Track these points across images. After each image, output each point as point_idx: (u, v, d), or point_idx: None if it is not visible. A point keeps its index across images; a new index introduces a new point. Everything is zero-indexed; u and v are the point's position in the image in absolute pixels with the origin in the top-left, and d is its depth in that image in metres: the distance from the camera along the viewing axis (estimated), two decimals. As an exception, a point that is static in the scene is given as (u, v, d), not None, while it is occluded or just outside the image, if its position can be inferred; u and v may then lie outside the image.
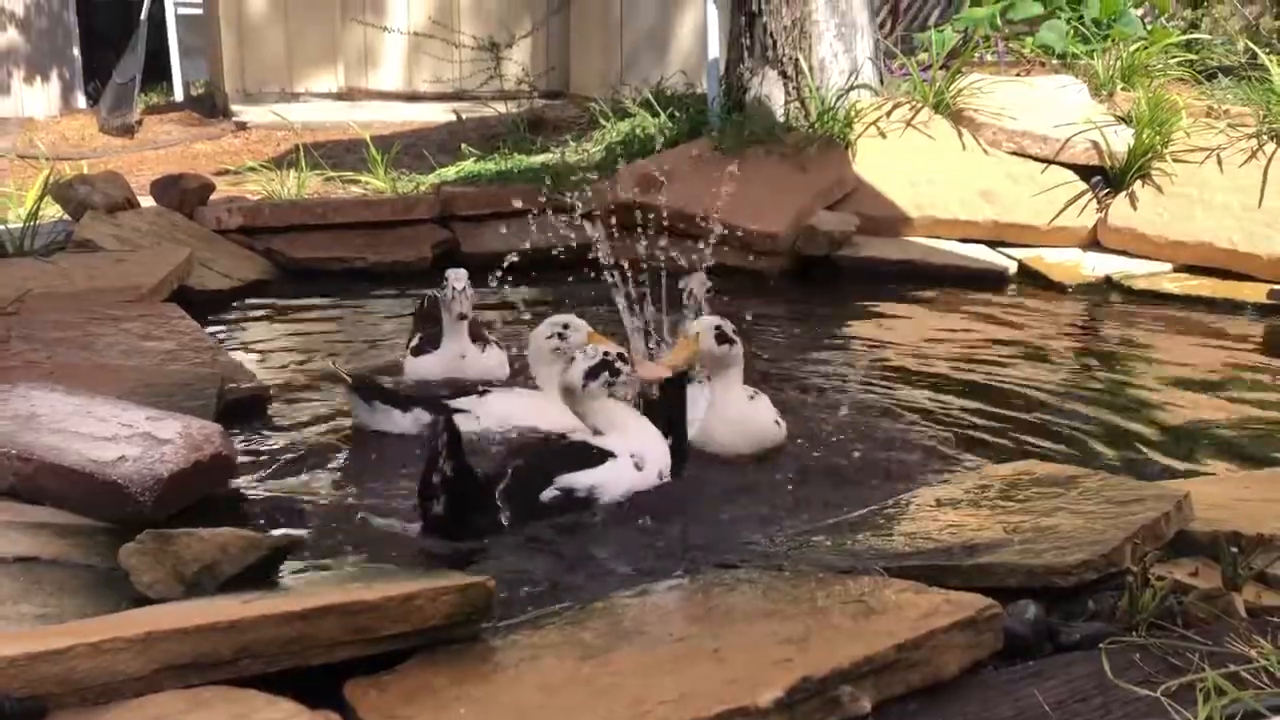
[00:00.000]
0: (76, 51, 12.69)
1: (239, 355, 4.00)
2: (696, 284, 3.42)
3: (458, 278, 3.48)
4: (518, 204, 4.08)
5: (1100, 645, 1.86)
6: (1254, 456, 3.12)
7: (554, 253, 3.62)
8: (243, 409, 3.29)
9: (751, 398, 3.05)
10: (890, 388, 3.74)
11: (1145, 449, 3.18)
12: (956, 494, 2.54)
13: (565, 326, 3.18)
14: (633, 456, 2.68)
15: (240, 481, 2.82)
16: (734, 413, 3.00)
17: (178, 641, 1.68)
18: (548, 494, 2.57)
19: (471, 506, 2.46)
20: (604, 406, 2.75)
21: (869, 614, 1.86)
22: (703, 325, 2.96)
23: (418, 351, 3.67)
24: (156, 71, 12.14)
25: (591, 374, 2.71)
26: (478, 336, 3.66)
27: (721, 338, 2.96)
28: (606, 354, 2.73)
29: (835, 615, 1.88)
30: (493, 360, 3.63)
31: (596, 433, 2.74)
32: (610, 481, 2.63)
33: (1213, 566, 2.13)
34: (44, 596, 2.07)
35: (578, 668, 1.77)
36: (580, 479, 2.60)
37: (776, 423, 3.06)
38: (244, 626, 1.72)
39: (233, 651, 1.72)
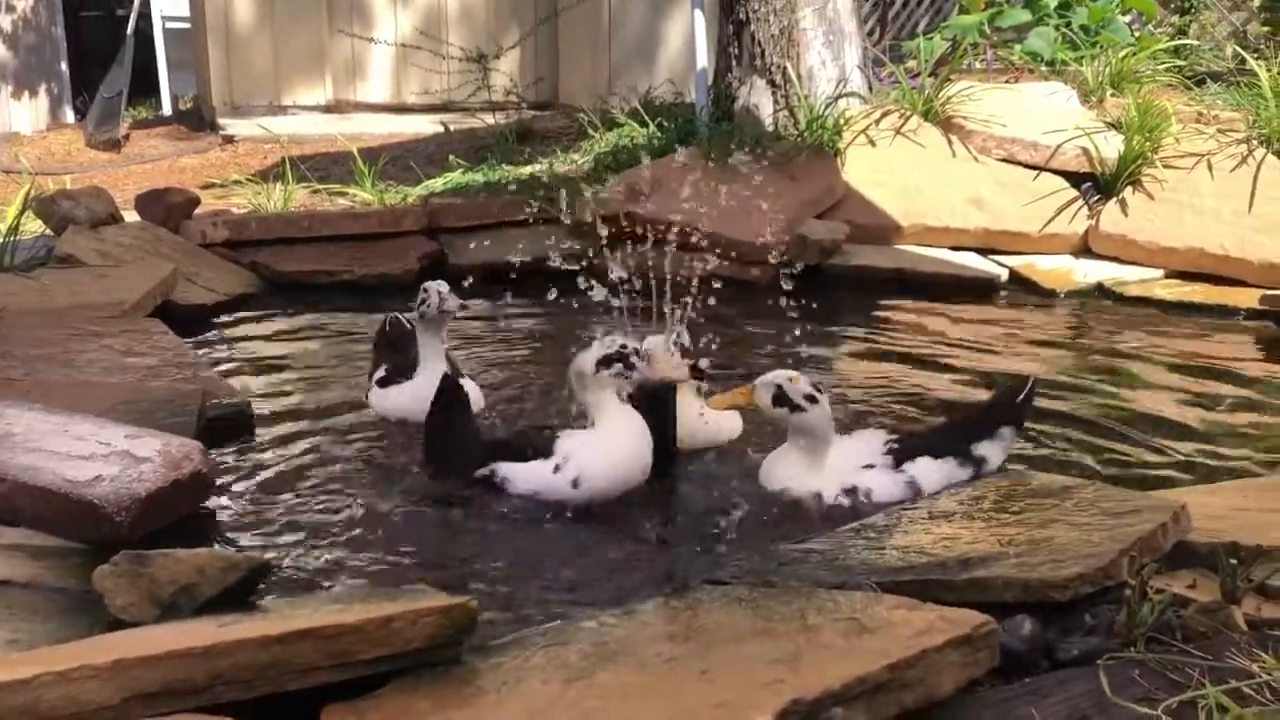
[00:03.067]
0: (64, 66, 12.64)
1: (223, 370, 3.95)
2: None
3: (439, 287, 3.27)
4: (506, 216, 3.93)
5: (1098, 661, 1.82)
6: (1250, 465, 3.08)
7: (544, 264, 3.56)
8: (225, 425, 3.24)
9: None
10: (881, 397, 3.70)
11: (1140, 458, 3.15)
12: (950, 506, 2.50)
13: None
14: (564, 458, 2.67)
15: (221, 500, 2.77)
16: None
17: (149, 668, 1.62)
18: (482, 471, 2.73)
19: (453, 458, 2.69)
20: (605, 400, 2.69)
21: (861, 632, 1.81)
22: (763, 381, 2.79)
23: (385, 382, 3.36)
24: (146, 86, 12.11)
25: (605, 362, 2.67)
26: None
27: (780, 399, 2.76)
28: (624, 345, 2.70)
29: (827, 633, 1.83)
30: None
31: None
32: (518, 477, 2.70)
33: (1211, 578, 2.09)
34: (15, 622, 2.02)
35: (563, 690, 1.72)
36: (501, 468, 2.71)
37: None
38: (218, 652, 1.67)
39: (206, 678, 1.66)
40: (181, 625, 1.90)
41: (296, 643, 1.71)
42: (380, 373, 3.41)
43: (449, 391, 2.91)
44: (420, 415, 3.14)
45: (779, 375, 2.80)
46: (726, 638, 1.87)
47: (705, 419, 3.08)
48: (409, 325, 3.57)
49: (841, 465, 2.79)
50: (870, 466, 2.78)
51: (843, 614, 1.90)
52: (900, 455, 2.79)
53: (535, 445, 2.73)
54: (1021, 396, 2.89)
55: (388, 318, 3.64)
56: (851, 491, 2.74)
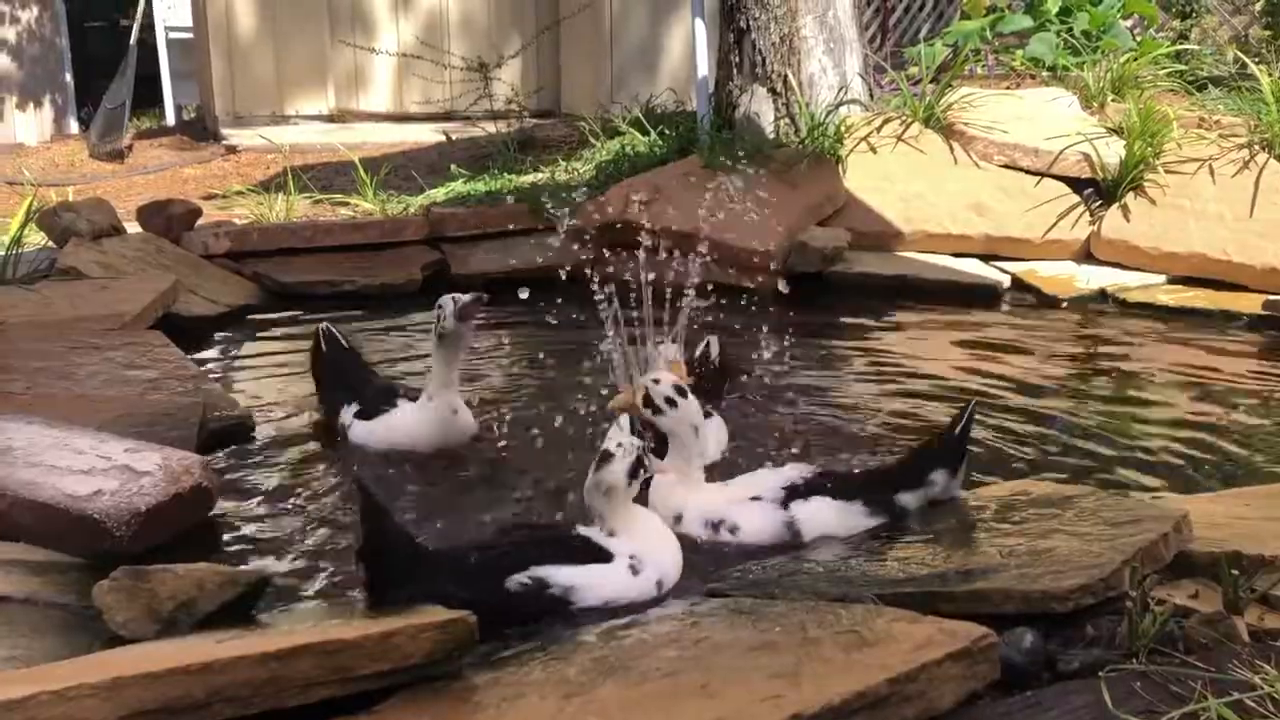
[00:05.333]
0: (69, 77, 12.69)
1: (224, 382, 3.95)
2: (672, 354, 3.04)
3: (452, 298, 3.07)
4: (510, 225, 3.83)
5: (1100, 673, 1.81)
6: (1253, 472, 3.07)
7: (546, 273, 3.55)
8: (226, 438, 3.24)
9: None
10: (883, 405, 3.69)
11: (1142, 465, 3.14)
12: (950, 516, 2.49)
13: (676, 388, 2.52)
14: (632, 558, 2.25)
15: (221, 513, 2.77)
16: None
17: (147, 686, 1.62)
18: (514, 580, 2.17)
19: (406, 576, 2.10)
20: (629, 506, 2.33)
21: (861, 645, 1.81)
22: (641, 380, 2.58)
23: (369, 413, 3.16)
24: (149, 96, 12.15)
25: (633, 471, 2.29)
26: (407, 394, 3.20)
27: (646, 401, 2.52)
28: (638, 444, 2.33)
29: (827, 647, 1.83)
30: (465, 421, 3.17)
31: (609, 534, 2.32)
32: (594, 585, 2.21)
33: (1213, 588, 2.08)
34: (14, 638, 2.02)
35: (561, 706, 1.72)
36: (558, 574, 2.19)
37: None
38: (216, 668, 1.67)
39: (205, 695, 1.66)
40: (180, 642, 1.90)
41: (296, 659, 1.71)
42: (351, 406, 3.22)
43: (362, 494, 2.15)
44: (425, 444, 3.07)
45: (652, 374, 2.60)
46: (727, 651, 1.87)
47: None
48: (344, 340, 3.43)
49: (726, 494, 2.56)
50: (756, 499, 2.52)
51: (843, 627, 1.89)
52: (793, 493, 2.51)
53: (577, 543, 2.28)
54: (959, 429, 2.55)
55: (321, 331, 3.39)
56: (716, 525, 2.50)
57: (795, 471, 2.60)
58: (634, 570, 2.24)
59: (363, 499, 2.09)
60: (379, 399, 3.23)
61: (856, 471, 2.74)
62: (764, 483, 2.58)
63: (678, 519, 2.52)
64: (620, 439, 2.36)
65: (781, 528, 2.49)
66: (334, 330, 3.45)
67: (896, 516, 2.52)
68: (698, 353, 3.35)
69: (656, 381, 2.58)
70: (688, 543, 2.43)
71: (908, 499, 2.54)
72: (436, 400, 3.14)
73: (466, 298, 3.11)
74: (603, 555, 2.24)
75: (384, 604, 2.04)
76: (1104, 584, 1.99)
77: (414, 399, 3.21)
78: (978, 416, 3.18)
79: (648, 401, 2.55)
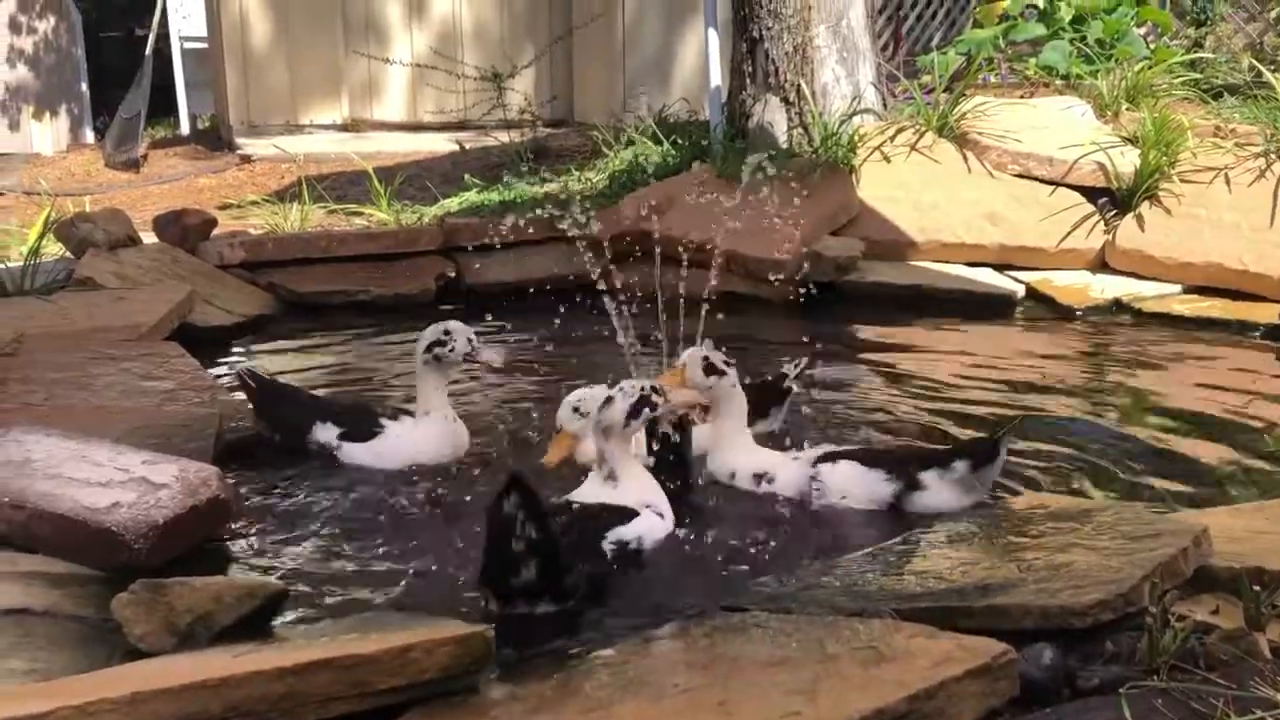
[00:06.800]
0: (85, 87, 12.78)
1: (240, 394, 3.96)
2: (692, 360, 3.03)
3: (467, 332, 3.08)
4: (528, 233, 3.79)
5: (1120, 690, 1.80)
6: (1273, 485, 3.05)
7: (560, 282, 3.55)
8: (243, 449, 3.25)
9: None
10: (899, 416, 3.68)
11: (1159, 478, 3.11)
12: (968, 530, 2.48)
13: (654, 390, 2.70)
14: (647, 506, 2.61)
15: (238, 526, 2.77)
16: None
17: (165, 701, 1.63)
18: (607, 544, 2.48)
19: (558, 568, 2.28)
20: (627, 451, 2.66)
21: (879, 661, 1.80)
22: (690, 356, 2.87)
23: (357, 435, 3.13)
24: (164, 106, 12.23)
25: (634, 411, 2.62)
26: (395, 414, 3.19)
27: (710, 369, 2.86)
28: (643, 388, 2.66)
29: (845, 663, 1.82)
30: (459, 436, 3.18)
31: (609, 479, 2.64)
32: (648, 532, 2.57)
33: (1234, 604, 2.07)
34: (34, 651, 2.03)
35: (579, 722, 1.71)
36: (626, 532, 2.53)
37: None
38: (234, 683, 1.67)
39: (222, 709, 1.67)
40: (197, 655, 1.90)
41: (313, 673, 1.71)
42: (328, 428, 3.18)
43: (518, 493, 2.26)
44: (433, 458, 3.06)
45: (698, 349, 2.93)
46: (745, 667, 1.86)
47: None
48: (265, 376, 3.37)
49: (771, 454, 2.96)
50: (795, 460, 2.92)
51: (861, 642, 1.88)
52: (824, 458, 2.88)
53: (617, 510, 2.59)
54: (997, 436, 2.81)
55: (244, 374, 3.31)
56: (759, 477, 2.90)
57: (828, 447, 2.98)
58: (660, 515, 2.61)
59: (523, 496, 2.19)
60: (361, 419, 3.20)
61: (886, 447, 3.14)
62: (803, 452, 2.97)
63: (731, 476, 2.93)
64: (623, 384, 2.64)
65: (808, 483, 2.84)
66: (254, 370, 3.37)
67: (915, 487, 2.77)
68: (770, 377, 3.40)
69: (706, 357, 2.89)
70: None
71: (928, 476, 2.77)
72: (434, 414, 3.13)
73: (491, 352, 3.13)
74: (633, 512, 2.57)
75: (563, 598, 2.27)
76: (1124, 599, 1.98)
77: (396, 418, 3.19)
78: (990, 430, 3.26)
79: (711, 368, 2.87)
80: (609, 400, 2.63)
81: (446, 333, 3.10)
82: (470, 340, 3.10)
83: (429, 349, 3.12)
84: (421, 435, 3.15)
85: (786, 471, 2.90)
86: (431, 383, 3.15)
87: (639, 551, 2.52)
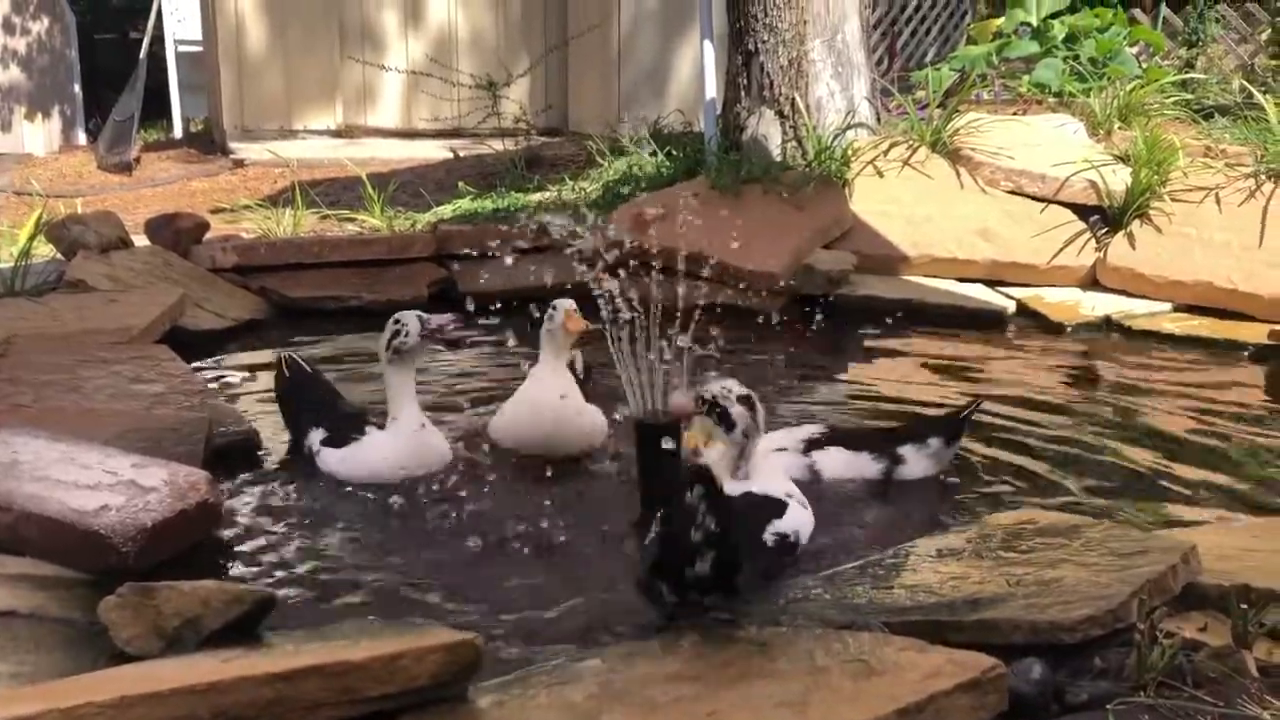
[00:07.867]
0: (78, 89, 12.76)
1: (230, 397, 3.95)
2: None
3: (415, 315, 3.01)
4: (520, 243, 3.80)
5: (1108, 706, 1.80)
6: (1261, 503, 3.06)
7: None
8: (232, 453, 3.24)
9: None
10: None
11: (1148, 495, 3.13)
12: (958, 544, 2.48)
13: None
14: (789, 495, 2.70)
15: (228, 530, 2.76)
16: None
17: (153, 705, 1.62)
18: (768, 536, 2.56)
19: (735, 561, 2.22)
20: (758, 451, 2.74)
21: (869, 674, 1.80)
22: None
23: (338, 440, 3.09)
24: (158, 108, 12.21)
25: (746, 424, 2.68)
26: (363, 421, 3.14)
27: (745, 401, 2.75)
28: (738, 396, 2.68)
29: (834, 675, 1.82)
30: (437, 447, 3.12)
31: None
32: (804, 525, 2.67)
33: (1222, 621, 2.07)
34: (20, 654, 2.02)
35: (568, 732, 1.71)
36: (784, 525, 2.61)
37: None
38: (222, 688, 1.67)
39: (210, 714, 1.66)
40: (185, 660, 1.89)
41: (302, 680, 1.71)
42: (319, 432, 3.16)
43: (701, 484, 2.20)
44: (399, 474, 2.98)
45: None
46: (734, 678, 1.86)
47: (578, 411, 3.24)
48: (308, 367, 3.37)
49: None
50: (781, 450, 3.07)
51: (851, 655, 1.89)
52: (812, 445, 3.12)
53: (770, 501, 2.68)
54: (963, 414, 3.18)
55: (284, 360, 3.33)
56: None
57: (810, 429, 3.22)
58: (802, 505, 2.70)
59: (707, 488, 2.15)
60: (348, 426, 3.16)
61: (863, 430, 3.38)
62: (791, 437, 3.17)
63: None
64: (730, 392, 2.66)
65: (805, 470, 3.07)
66: (296, 358, 3.38)
67: (897, 462, 3.10)
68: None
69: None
70: None
71: (907, 450, 3.13)
72: (402, 418, 3.06)
73: (444, 318, 3.07)
74: (785, 503, 2.65)
75: (734, 591, 2.21)
76: (1112, 615, 1.99)
77: (383, 427, 3.15)
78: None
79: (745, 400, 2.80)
80: (725, 415, 2.64)
81: (397, 321, 3.06)
82: (420, 319, 3.05)
83: (388, 345, 3.08)
84: (387, 448, 3.07)
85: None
86: (398, 381, 3.08)
87: (796, 544, 2.61)
